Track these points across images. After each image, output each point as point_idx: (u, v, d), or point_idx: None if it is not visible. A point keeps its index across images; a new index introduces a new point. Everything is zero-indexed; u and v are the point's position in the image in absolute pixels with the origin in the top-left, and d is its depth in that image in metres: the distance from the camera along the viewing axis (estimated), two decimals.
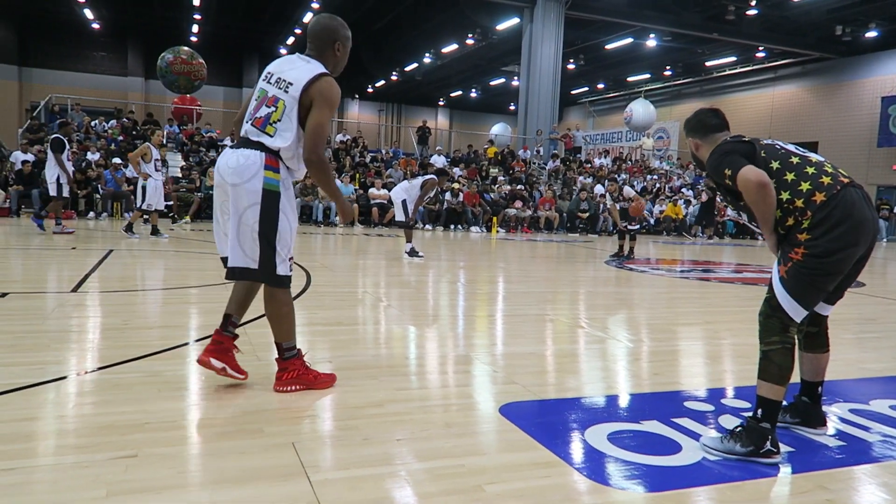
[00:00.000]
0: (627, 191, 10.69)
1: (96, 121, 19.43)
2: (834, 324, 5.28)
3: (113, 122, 19.72)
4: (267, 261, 2.81)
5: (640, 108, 24.73)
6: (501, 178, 20.70)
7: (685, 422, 2.77)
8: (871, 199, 2.41)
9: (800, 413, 2.73)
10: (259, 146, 2.81)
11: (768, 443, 2.36)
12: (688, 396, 3.16)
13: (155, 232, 10.44)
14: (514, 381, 3.28)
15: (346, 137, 22.07)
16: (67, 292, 5.22)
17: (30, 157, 14.92)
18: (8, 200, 13.84)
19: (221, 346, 2.97)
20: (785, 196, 2.38)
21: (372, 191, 17.47)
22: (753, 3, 22.26)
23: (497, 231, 17.38)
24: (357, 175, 18.59)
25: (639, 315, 5.68)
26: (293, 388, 2.95)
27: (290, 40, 32.30)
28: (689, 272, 9.52)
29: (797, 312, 2.39)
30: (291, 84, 2.79)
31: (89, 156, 16.12)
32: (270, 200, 2.78)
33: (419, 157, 21.97)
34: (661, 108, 33.19)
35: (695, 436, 2.59)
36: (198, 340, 3.84)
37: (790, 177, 2.38)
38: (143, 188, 10.07)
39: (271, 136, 2.80)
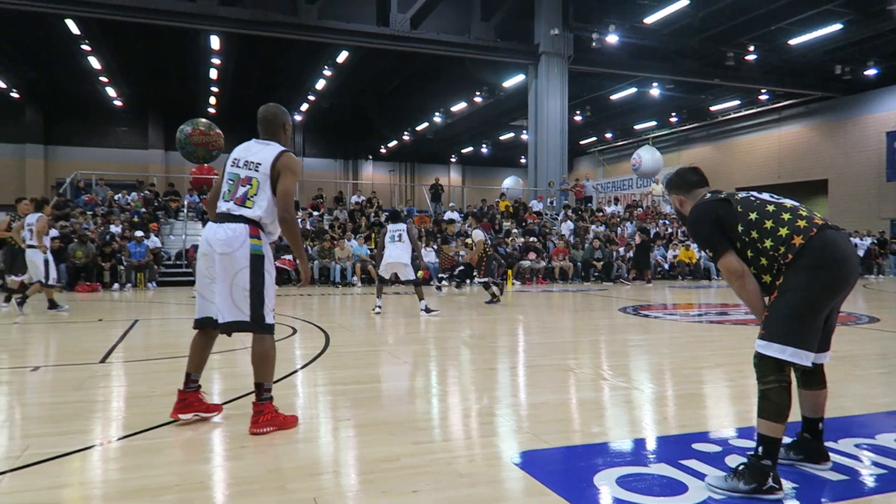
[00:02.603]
0: (477, 234, 10.57)
1: (119, 194, 20.07)
2: (844, 360, 5.33)
3: (134, 194, 20.35)
4: (257, 313, 3.34)
5: (647, 155, 25.06)
6: (515, 230, 20.95)
7: (692, 463, 2.85)
8: (848, 238, 2.57)
9: (803, 449, 2.81)
10: (242, 219, 3.35)
11: (770, 479, 2.44)
12: (696, 438, 3.24)
13: (53, 305, 9.55)
14: (526, 431, 3.39)
15: (360, 198, 22.53)
16: (96, 363, 5.42)
17: (56, 232, 15.40)
18: None
19: (185, 402, 3.50)
20: (768, 243, 2.54)
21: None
22: (752, 49, 22.80)
23: (512, 283, 17.49)
24: (373, 235, 18.92)
25: (651, 360, 5.76)
26: (267, 429, 3.31)
27: (304, 107, 33.39)
28: (702, 316, 9.57)
29: (804, 357, 2.47)
30: (260, 164, 3.39)
31: (112, 228, 16.62)
32: (257, 263, 3.33)
33: (433, 214, 22.33)
34: (670, 153, 33.59)
35: (701, 476, 2.67)
36: (225, 403, 3.99)
37: (768, 224, 2.55)
38: (46, 262, 9.32)
39: (251, 209, 3.37)
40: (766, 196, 2.70)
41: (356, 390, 4.46)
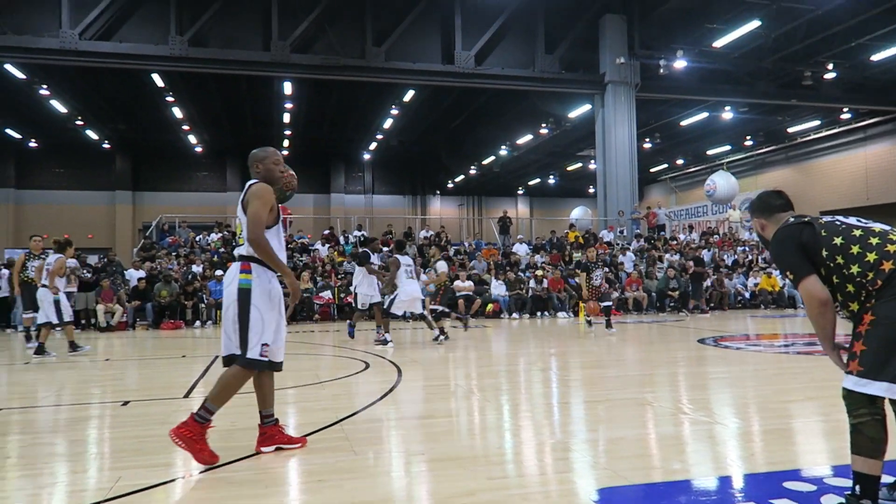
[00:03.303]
0: (440, 265, 10.69)
1: (200, 235, 21.02)
2: None
3: (213, 235, 21.27)
4: (243, 346, 3.51)
5: (721, 181, 24.34)
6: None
7: (784, 503, 2.70)
8: None
9: None
10: (239, 258, 3.64)
11: None
12: (787, 476, 3.07)
13: (74, 347, 9.43)
14: (604, 466, 3.29)
15: (429, 233, 22.77)
16: (180, 398, 5.63)
17: (143, 273, 16.24)
18: (125, 315, 15.01)
19: (266, 435, 3.70)
20: (855, 269, 2.41)
21: (457, 283, 17.79)
22: (830, 67, 21.96)
23: (585, 315, 17.17)
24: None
25: (734, 393, 5.51)
26: (178, 442, 3.41)
27: (373, 145, 34.25)
28: (789, 346, 9.11)
29: (892, 391, 2.34)
30: (240, 205, 3.65)
31: (194, 268, 17.37)
32: (244, 297, 3.52)
33: (501, 247, 22.31)
34: (746, 178, 32.51)
35: None
36: (306, 435, 4.05)
37: (855, 249, 2.42)
38: (57, 302, 9.17)
39: (242, 245, 3.64)
40: (852, 220, 2.58)
41: (429, 424, 4.45)
